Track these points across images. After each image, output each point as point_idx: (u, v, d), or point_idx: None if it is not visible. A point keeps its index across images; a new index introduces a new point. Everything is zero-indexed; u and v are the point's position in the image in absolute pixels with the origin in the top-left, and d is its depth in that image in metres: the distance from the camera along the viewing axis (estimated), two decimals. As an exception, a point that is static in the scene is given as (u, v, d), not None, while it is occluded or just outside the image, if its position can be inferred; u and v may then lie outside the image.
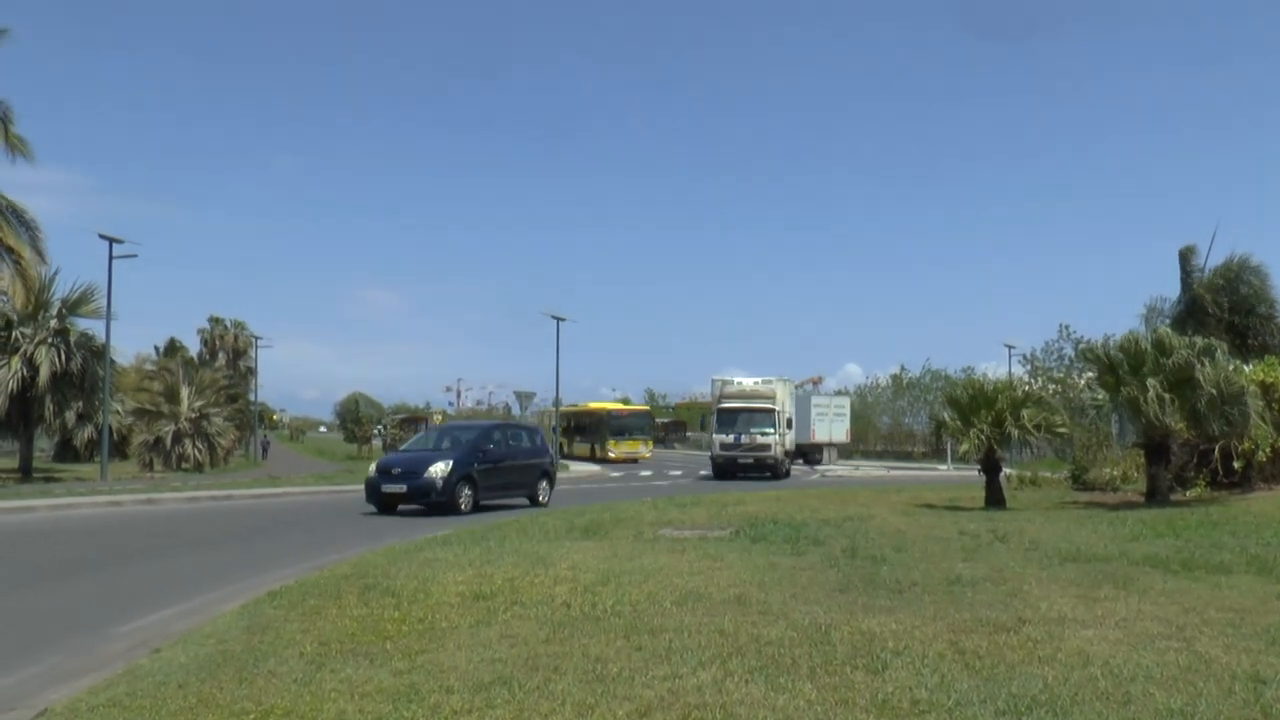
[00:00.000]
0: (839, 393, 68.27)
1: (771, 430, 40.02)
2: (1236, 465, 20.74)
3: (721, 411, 40.99)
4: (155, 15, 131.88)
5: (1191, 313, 27.96)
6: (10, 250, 31.94)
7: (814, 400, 54.54)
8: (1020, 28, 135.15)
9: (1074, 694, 5.66)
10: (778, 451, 39.98)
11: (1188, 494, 20.86)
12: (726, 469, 39.95)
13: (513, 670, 6.35)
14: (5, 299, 35.11)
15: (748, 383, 42.04)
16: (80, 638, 8.49)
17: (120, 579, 12.25)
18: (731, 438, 40.18)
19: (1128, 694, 5.66)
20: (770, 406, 40.48)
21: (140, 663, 7.06)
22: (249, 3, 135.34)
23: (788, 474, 41.11)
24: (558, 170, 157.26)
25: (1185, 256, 29.35)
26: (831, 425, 53.07)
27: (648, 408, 67.03)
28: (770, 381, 41.98)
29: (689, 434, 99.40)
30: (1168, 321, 26.32)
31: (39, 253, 33.43)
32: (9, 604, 10.55)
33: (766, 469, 39.82)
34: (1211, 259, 29.54)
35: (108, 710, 5.77)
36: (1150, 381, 18.66)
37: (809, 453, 50.62)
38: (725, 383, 42.17)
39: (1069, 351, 56.59)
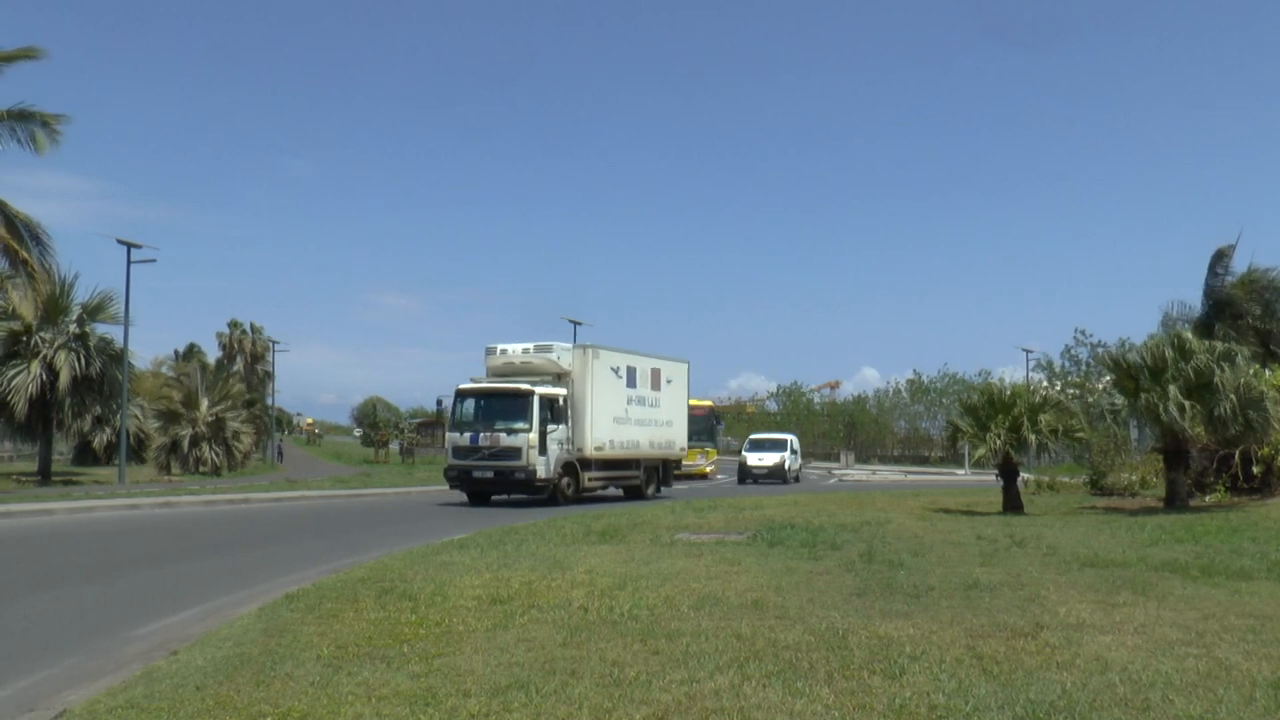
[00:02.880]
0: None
1: (524, 427, 25.59)
2: (1256, 470, 20.64)
3: (460, 397, 27.29)
4: (172, 20, 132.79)
5: (1219, 315, 27.77)
6: (25, 262, 32.23)
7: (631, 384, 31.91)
8: (1040, 33, 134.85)
9: (1092, 700, 5.62)
10: (532, 460, 25.48)
11: (1207, 499, 20.75)
12: (462, 483, 26.74)
13: (530, 674, 6.35)
14: (15, 320, 35.46)
15: (514, 351, 27.78)
16: (98, 640, 8.53)
17: (138, 581, 12.31)
18: (466, 438, 26.41)
19: (1147, 701, 5.63)
20: (527, 389, 26.01)
21: (158, 665, 7.09)
22: (267, 8, 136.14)
23: (572, 498, 27.04)
24: (576, 175, 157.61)
25: (1218, 258, 29.17)
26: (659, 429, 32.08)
27: (711, 403, 50.36)
28: (548, 350, 27.43)
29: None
30: (1188, 326, 26.14)
31: (47, 269, 33.87)
32: (28, 606, 10.61)
33: (517, 486, 26.28)
34: (1234, 265, 29.36)
35: (125, 712, 5.80)
36: (1170, 388, 18.56)
37: (627, 466, 30.05)
38: (489, 352, 28.41)
39: (1086, 356, 56.31)
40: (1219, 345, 19.58)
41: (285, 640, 7.65)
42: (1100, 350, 49.45)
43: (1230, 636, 7.32)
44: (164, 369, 60.75)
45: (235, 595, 10.75)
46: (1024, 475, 22.98)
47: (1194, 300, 29.46)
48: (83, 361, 36.15)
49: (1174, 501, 19.31)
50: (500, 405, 26.31)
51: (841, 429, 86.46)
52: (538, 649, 7.11)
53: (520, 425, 25.59)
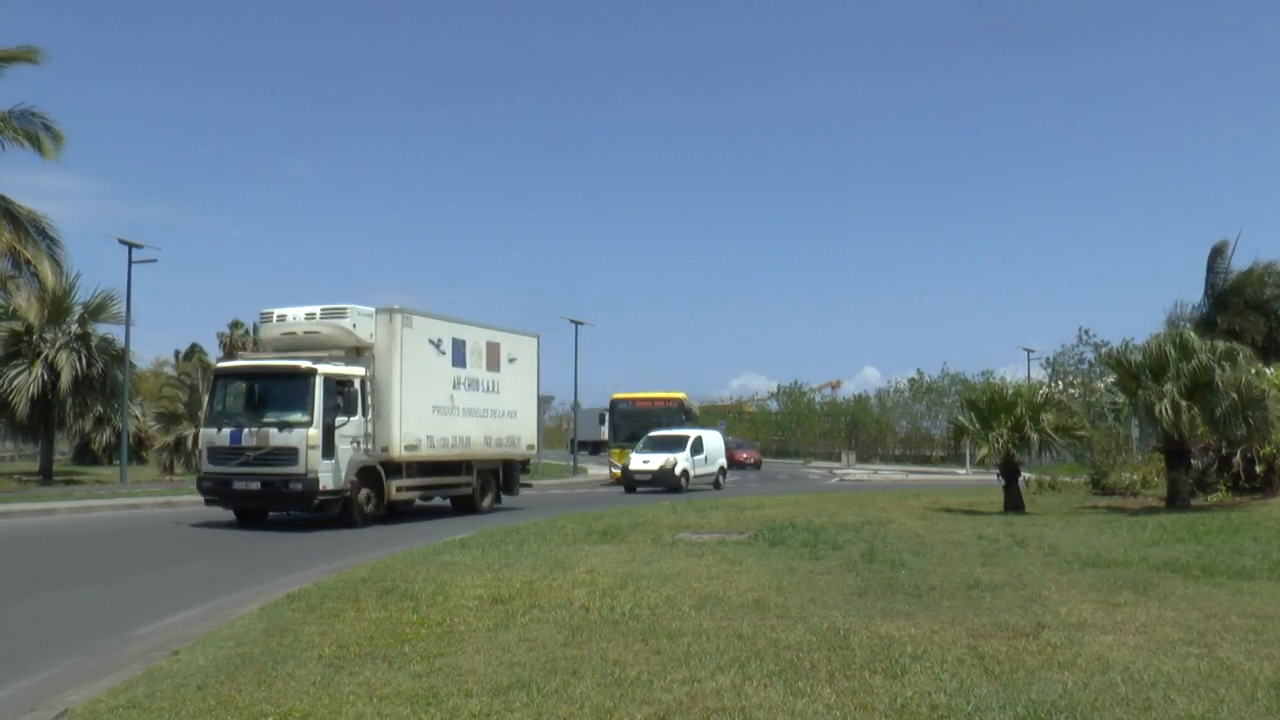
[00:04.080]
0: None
1: (302, 419, 18.65)
2: (1258, 470, 20.62)
3: (219, 380, 20.67)
4: (172, 20, 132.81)
5: (1221, 311, 27.78)
6: (28, 262, 32.19)
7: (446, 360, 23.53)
8: (1041, 33, 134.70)
9: (1094, 700, 5.62)
10: (312, 464, 18.46)
11: (1209, 499, 20.74)
12: (221, 497, 19.55)
13: (531, 674, 6.35)
14: (19, 319, 35.47)
15: (295, 317, 20.39)
16: (100, 640, 8.54)
17: (139, 581, 12.32)
18: (226, 436, 19.20)
19: (1148, 700, 5.63)
20: (307, 367, 18.86)
21: (159, 664, 7.09)
22: (267, 8, 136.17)
23: (373, 515, 19.89)
24: (576, 175, 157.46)
25: (1215, 255, 29.18)
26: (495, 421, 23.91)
27: (682, 395, 43.71)
28: (341, 315, 19.99)
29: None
30: (1190, 325, 26.14)
31: (58, 263, 33.66)
32: (30, 606, 10.62)
33: (293, 500, 19.07)
34: (1235, 262, 29.39)
35: (127, 711, 5.80)
36: (1171, 387, 18.56)
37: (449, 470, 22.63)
38: (264, 320, 21.17)
39: (1088, 355, 56.30)
40: (1220, 344, 19.58)
41: (287, 640, 7.65)
42: (1103, 350, 49.43)
43: (1232, 636, 7.32)
44: (165, 369, 60.74)
45: (236, 595, 10.76)
46: (1025, 475, 22.98)
47: (1197, 299, 29.49)
48: (84, 361, 36.13)
49: (1175, 501, 19.31)
50: (271, 390, 19.43)
51: (843, 428, 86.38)
52: (539, 649, 7.11)
53: (297, 417, 18.53)
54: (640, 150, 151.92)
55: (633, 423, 39.48)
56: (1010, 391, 21.45)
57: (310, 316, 20.23)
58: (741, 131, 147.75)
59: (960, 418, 22.13)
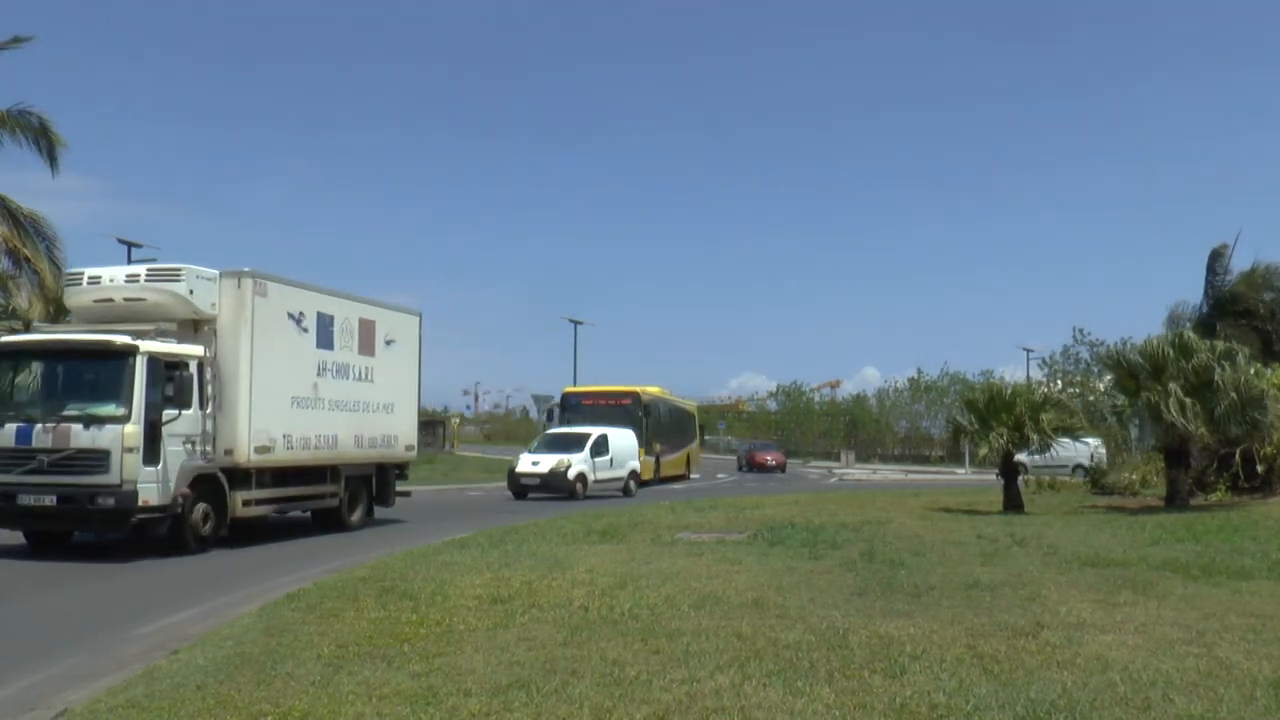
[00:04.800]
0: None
1: (116, 412, 14.25)
2: (1258, 469, 20.61)
3: (2, 361, 15.38)
4: (172, 19, 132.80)
5: (1221, 313, 27.75)
6: (28, 260, 32.13)
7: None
8: (1037, 30, 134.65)
9: (1093, 699, 5.63)
10: (129, 472, 13.94)
11: (1208, 498, 20.72)
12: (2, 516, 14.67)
13: (530, 673, 6.35)
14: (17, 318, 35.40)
15: (114, 280, 16.08)
16: (99, 639, 8.54)
17: (138, 581, 12.32)
18: (10, 435, 14.38)
19: (1147, 700, 5.63)
20: (124, 344, 14.46)
21: (159, 664, 7.09)
22: (266, 8, 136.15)
23: (211, 537, 15.39)
24: (576, 174, 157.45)
25: (1214, 258, 29.14)
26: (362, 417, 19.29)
27: (637, 390, 38.87)
28: (174, 277, 15.73)
29: (707, 436, 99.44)
30: (1190, 325, 26.14)
31: (56, 264, 33.61)
32: (29, 606, 10.63)
33: (102, 521, 14.55)
34: (1234, 263, 29.32)
35: (126, 711, 5.80)
36: (1171, 386, 18.56)
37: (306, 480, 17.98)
38: (71, 282, 16.79)
39: (1086, 355, 56.27)
40: (1220, 344, 19.57)
41: (286, 639, 7.66)
42: (1100, 349, 49.38)
43: (1231, 636, 7.33)
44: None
45: (236, 594, 10.76)
46: (1024, 460, 22.98)
47: (1196, 299, 29.41)
48: (83, 362, 36.11)
49: (1175, 501, 19.30)
50: (74, 374, 15.03)
51: (842, 428, 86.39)
52: (538, 648, 7.11)
53: (109, 410, 14.13)
54: (640, 150, 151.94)
55: (584, 419, 35.20)
56: (1009, 391, 21.44)
57: (133, 279, 15.87)
58: (741, 131, 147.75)
59: (959, 418, 22.14)
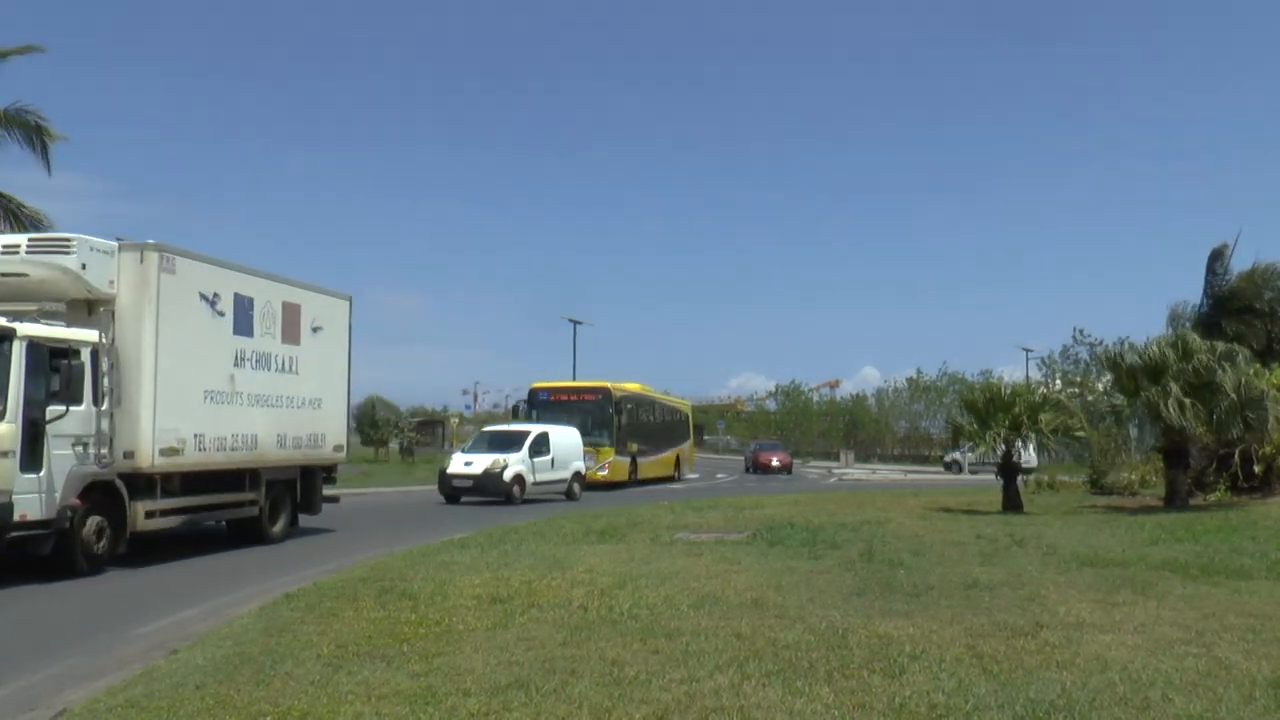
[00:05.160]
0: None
1: None
2: (1257, 470, 20.62)
3: None
4: (172, 18, 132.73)
5: (1223, 313, 27.73)
6: None
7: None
8: (1036, 34, 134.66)
9: (1092, 699, 5.63)
10: (2, 477, 11.64)
11: (1207, 498, 20.74)
12: None
13: (530, 673, 6.35)
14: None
15: None
16: (99, 639, 8.54)
17: (137, 581, 12.31)
18: None
19: (1146, 699, 5.63)
20: (1, 326, 12.19)
21: (158, 664, 7.09)
22: (266, 8, 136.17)
23: (104, 556, 12.96)
24: (576, 174, 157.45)
25: (1214, 258, 29.12)
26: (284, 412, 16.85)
27: (608, 385, 36.73)
28: (64, 249, 13.35)
29: (705, 436, 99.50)
30: (1189, 325, 26.14)
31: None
32: (29, 606, 10.62)
33: None
34: (1234, 263, 29.29)
35: (126, 711, 5.80)
36: (1171, 387, 18.57)
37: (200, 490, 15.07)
38: None
39: (1085, 355, 56.29)
40: (1220, 345, 19.58)
41: (285, 639, 7.66)
42: (1100, 349, 49.35)
43: (1230, 635, 7.33)
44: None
45: (235, 594, 10.76)
46: (1025, 462, 23.00)
47: (1197, 299, 29.36)
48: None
49: (1174, 501, 19.31)
50: None
51: (841, 428, 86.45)
52: (537, 648, 7.11)
53: None
54: (640, 150, 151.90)
55: (553, 416, 33.33)
56: (1008, 391, 21.44)
57: (11, 250, 13.51)
58: (741, 131, 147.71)
59: (958, 418, 22.14)
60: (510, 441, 27.81)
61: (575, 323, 52.99)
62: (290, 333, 16.71)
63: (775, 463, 52.91)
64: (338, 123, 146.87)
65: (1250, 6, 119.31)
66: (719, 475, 48.87)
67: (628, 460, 35.78)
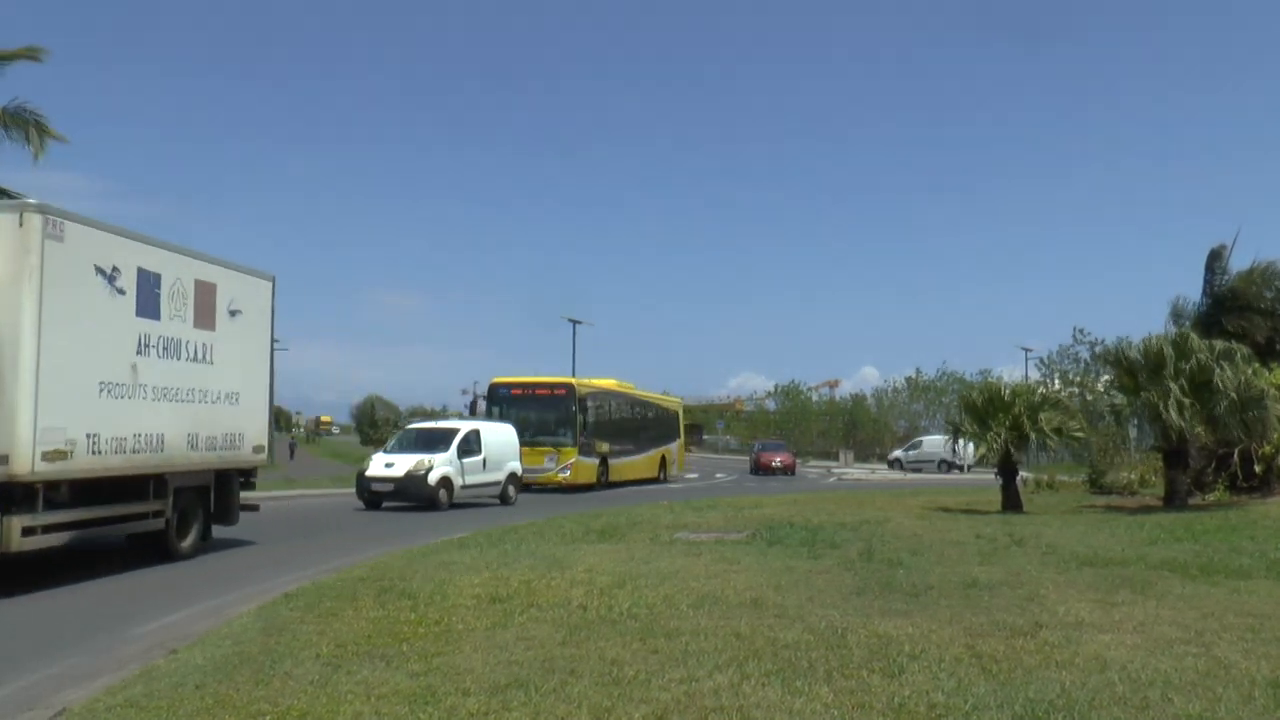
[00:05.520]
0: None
1: None
2: (1256, 469, 20.63)
3: None
4: (172, 17, 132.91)
5: (1223, 312, 27.74)
6: None
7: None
8: (1035, 35, 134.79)
9: (1091, 699, 5.63)
10: None
11: (1206, 498, 20.76)
12: None
13: (529, 673, 6.35)
14: None
15: None
16: (98, 639, 8.53)
17: (137, 581, 12.31)
18: None
19: (1146, 699, 5.63)
20: None
21: (157, 664, 7.09)
22: (266, 7, 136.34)
23: None
24: (576, 174, 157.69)
25: (1213, 258, 29.13)
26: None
27: (573, 380, 35.60)
28: None
29: (705, 436, 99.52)
30: (1189, 324, 26.15)
31: None
32: (28, 606, 10.61)
33: None
34: (1233, 262, 29.30)
35: (125, 711, 5.80)
36: (1170, 387, 18.57)
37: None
38: None
39: (1084, 354, 56.30)
40: (1218, 344, 19.58)
41: (284, 639, 7.66)
42: (1099, 349, 49.32)
43: (1229, 635, 7.33)
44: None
45: (234, 594, 10.75)
46: (1023, 474, 23.00)
47: (1197, 297, 29.35)
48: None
49: (1173, 500, 19.31)
50: None
51: (841, 428, 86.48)
52: (537, 648, 7.12)
53: None
54: (640, 149, 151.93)
55: (514, 413, 31.92)
56: (1008, 391, 21.44)
57: None
58: (740, 131, 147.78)
59: (958, 419, 22.15)
60: (437, 440, 25.14)
61: (575, 322, 53.04)
62: (204, 316, 14.39)
63: (776, 463, 51.28)
64: (338, 123, 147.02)
65: (1250, 6, 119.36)
66: (718, 475, 48.84)
67: (596, 461, 33.96)
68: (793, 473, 51.03)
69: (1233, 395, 18.20)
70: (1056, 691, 5.78)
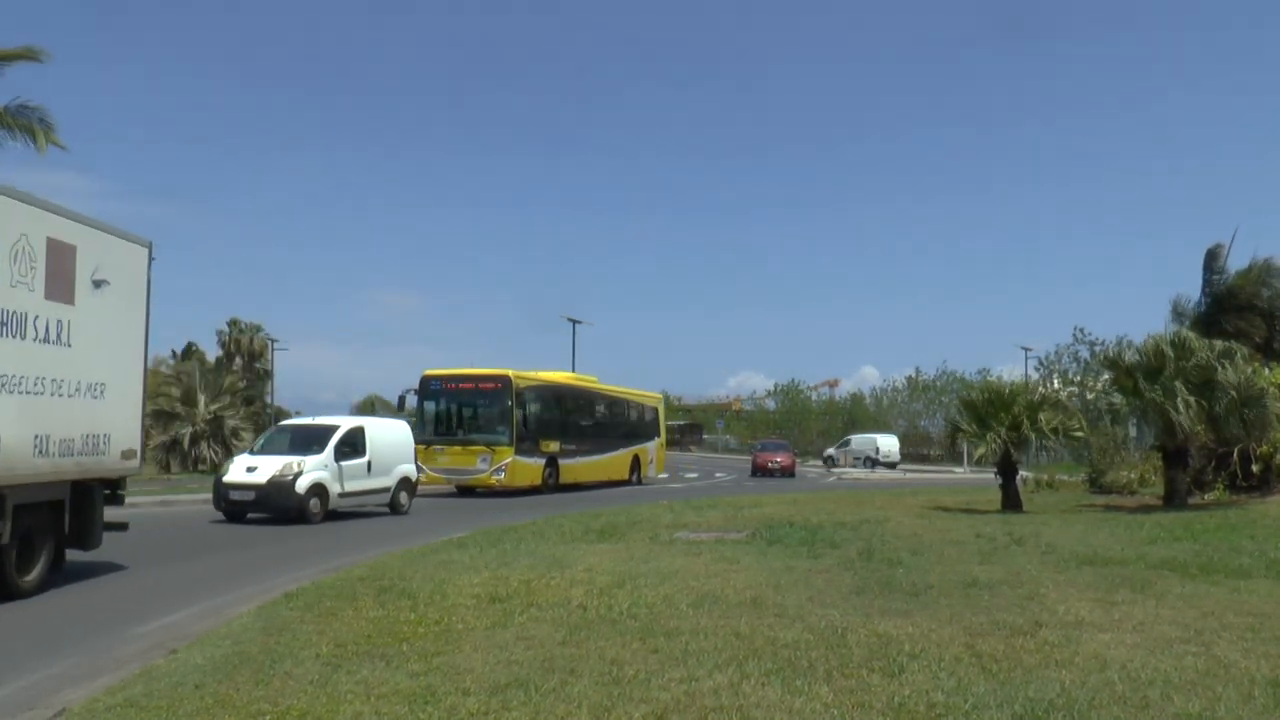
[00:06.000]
0: None
1: None
2: (1255, 469, 20.62)
3: None
4: (173, 16, 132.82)
5: (1222, 311, 27.74)
6: None
7: None
8: (1035, 34, 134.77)
9: (1091, 698, 5.63)
10: None
11: (1206, 497, 20.75)
12: None
13: (529, 672, 6.35)
14: None
15: None
16: (98, 639, 8.52)
17: (136, 581, 12.30)
18: None
19: (1146, 699, 5.63)
20: None
21: (157, 664, 7.09)
22: (267, 6, 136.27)
23: None
24: (576, 174, 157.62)
25: (1211, 257, 29.13)
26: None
27: (510, 373, 30.09)
28: None
29: (705, 436, 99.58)
30: (1189, 323, 26.16)
31: None
32: (28, 605, 10.60)
33: None
34: (1231, 261, 29.31)
35: (125, 710, 5.80)
36: (1170, 386, 18.57)
37: None
38: None
39: (1084, 354, 56.36)
40: (1219, 343, 19.57)
41: (284, 639, 7.65)
42: (1099, 348, 49.41)
43: (1229, 634, 7.33)
44: (162, 368, 60.77)
45: (234, 594, 10.74)
46: (1023, 473, 23.00)
47: (1196, 296, 29.37)
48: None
49: (1173, 500, 19.31)
50: None
51: (840, 427, 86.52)
52: (537, 647, 7.11)
53: None
54: (640, 149, 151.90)
55: (447, 408, 29.95)
56: (1008, 391, 21.44)
57: None
58: (740, 130, 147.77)
59: (957, 418, 22.16)
60: (312, 439, 21.14)
61: (575, 322, 52.99)
62: (59, 285, 11.21)
63: (773, 464, 48.45)
64: (338, 123, 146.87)
65: (1250, 5, 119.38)
66: (717, 474, 48.79)
67: (541, 462, 30.44)
68: (792, 474, 48.38)
69: (1232, 394, 18.20)
70: (1056, 691, 5.78)
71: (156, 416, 45.64)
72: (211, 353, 77.60)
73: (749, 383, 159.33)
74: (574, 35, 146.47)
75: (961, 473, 49.17)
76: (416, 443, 25.08)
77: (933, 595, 9.20)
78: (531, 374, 31.82)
